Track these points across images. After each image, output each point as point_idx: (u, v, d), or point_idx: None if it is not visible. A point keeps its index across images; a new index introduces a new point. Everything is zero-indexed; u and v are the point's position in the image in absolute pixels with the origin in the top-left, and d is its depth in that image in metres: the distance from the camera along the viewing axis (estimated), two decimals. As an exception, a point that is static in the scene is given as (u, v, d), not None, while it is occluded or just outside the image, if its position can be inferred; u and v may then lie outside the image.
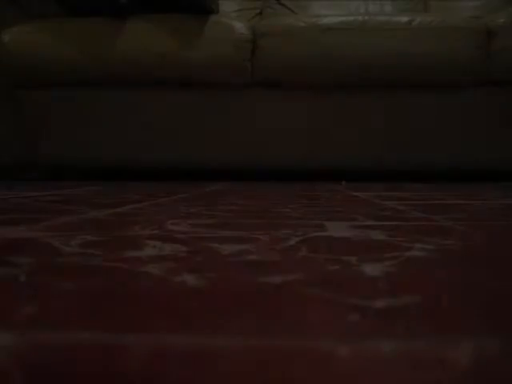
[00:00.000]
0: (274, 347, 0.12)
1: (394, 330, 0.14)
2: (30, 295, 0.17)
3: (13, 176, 1.34)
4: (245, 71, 1.18)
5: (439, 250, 0.26)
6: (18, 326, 0.14)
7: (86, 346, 0.13)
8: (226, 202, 0.59)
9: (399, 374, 0.11)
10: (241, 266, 0.22)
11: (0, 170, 1.31)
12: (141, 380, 0.11)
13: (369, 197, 0.69)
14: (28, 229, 0.35)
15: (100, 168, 1.29)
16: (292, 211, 0.48)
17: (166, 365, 0.11)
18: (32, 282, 0.19)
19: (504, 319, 0.15)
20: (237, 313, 0.15)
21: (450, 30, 1.16)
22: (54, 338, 0.13)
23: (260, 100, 1.22)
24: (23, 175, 1.40)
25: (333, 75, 1.18)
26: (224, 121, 1.23)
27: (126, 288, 0.18)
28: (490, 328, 0.14)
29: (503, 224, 0.38)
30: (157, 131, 1.24)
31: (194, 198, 0.67)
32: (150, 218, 0.42)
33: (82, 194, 0.75)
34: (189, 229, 0.35)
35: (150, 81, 1.20)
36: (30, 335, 0.13)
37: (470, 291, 0.18)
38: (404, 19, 1.17)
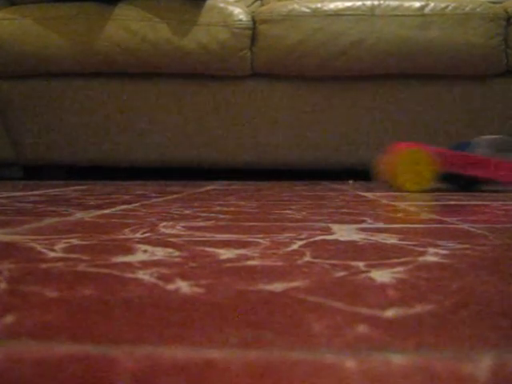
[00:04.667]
0: (275, 360, 0.12)
1: (405, 343, 0.14)
2: (11, 304, 0.17)
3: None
4: (244, 61, 1.18)
5: (455, 255, 0.26)
6: (-3, 338, 0.14)
7: (71, 359, 0.12)
8: (224, 203, 0.59)
9: (411, 390, 0.11)
10: (239, 272, 0.22)
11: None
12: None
13: (378, 197, 0.69)
14: (9, 232, 0.35)
15: (88, 167, 1.29)
16: (295, 213, 0.48)
17: (157, 379, 0.11)
18: (13, 290, 0.19)
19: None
20: (234, 323, 0.15)
21: (466, 17, 1.16)
22: (36, 351, 0.13)
23: (260, 92, 1.22)
24: (4, 173, 1.40)
25: (339, 65, 1.18)
26: (221, 114, 1.23)
27: (115, 296, 0.18)
28: (510, 341, 0.14)
29: (524, 227, 0.38)
30: (148, 126, 1.24)
31: (188, 198, 0.67)
32: (140, 220, 0.42)
33: (67, 194, 0.75)
34: (183, 232, 0.35)
35: (140, 71, 1.20)
36: (9, 347, 0.13)
37: (489, 300, 0.18)
38: (416, 4, 1.17)
